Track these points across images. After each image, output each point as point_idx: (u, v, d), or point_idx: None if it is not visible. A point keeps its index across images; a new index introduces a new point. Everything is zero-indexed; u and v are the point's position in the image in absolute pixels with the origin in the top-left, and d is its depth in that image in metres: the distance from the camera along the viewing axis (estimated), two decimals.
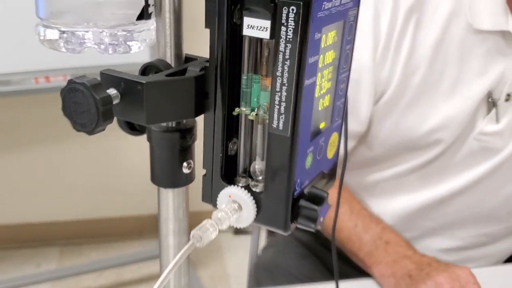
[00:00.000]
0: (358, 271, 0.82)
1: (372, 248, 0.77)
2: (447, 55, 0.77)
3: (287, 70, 0.27)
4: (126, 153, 1.93)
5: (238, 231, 1.62)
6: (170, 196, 0.36)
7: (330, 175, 0.34)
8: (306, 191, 0.31)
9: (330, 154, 0.33)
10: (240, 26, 0.28)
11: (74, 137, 2.12)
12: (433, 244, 0.90)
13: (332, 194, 0.37)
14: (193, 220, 0.39)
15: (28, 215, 2.09)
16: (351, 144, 0.87)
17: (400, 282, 0.71)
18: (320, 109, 0.31)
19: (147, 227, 2.06)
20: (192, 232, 0.29)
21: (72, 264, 1.89)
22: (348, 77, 0.34)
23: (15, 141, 1.90)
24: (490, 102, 0.78)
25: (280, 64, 0.27)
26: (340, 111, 0.33)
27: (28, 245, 2.10)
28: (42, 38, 0.32)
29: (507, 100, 0.77)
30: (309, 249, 1.00)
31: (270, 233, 1.10)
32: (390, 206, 0.90)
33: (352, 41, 0.32)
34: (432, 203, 0.85)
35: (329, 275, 0.93)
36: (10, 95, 1.60)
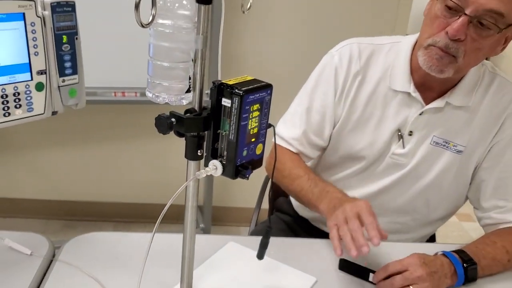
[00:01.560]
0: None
1: (319, 195, 1.13)
2: (376, 103, 1.19)
3: (235, 118, 0.74)
4: (171, 155, 2.32)
5: None
6: (192, 166, 0.83)
7: (258, 161, 0.80)
8: (241, 164, 0.77)
9: (258, 152, 0.79)
10: (221, 101, 0.75)
11: (138, 139, 2.62)
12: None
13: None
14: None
15: (92, 195, 2.51)
16: (318, 153, 1.30)
17: (331, 208, 1.06)
18: (251, 133, 0.77)
19: (183, 214, 2.52)
20: (196, 173, 0.76)
21: None
22: (266, 122, 0.79)
23: (95, 137, 2.35)
24: (399, 135, 1.19)
25: (233, 116, 0.74)
26: (262, 135, 0.79)
27: (89, 219, 2.51)
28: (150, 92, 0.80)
29: (410, 134, 1.18)
30: (288, 226, 1.42)
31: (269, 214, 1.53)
32: None
33: (268, 107, 0.78)
34: (365, 197, 1.23)
35: None
36: (95, 103, 1.99)
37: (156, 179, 2.39)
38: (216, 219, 2.45)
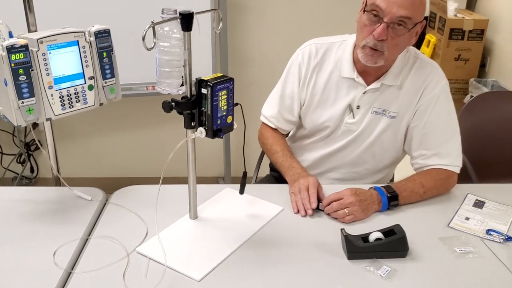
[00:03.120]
0: None
1: (287, 169, 1.58)
2: (331, 87, 1.62)
3: (209, 100, 1.19)
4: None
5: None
6: (188, 132, 1.28)
7: (229, 127, 1.25)
8: (217, 129, 1.22)
9: (228, 121, 1.24)
10: (201, 90, 1.20)
11: (163, 123, 3.17)
12: (330, 176, 1.70)
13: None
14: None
15: (132, 171, 3.03)
16: (291, 127, 1.74)
17: (292, 180, 1.51)
18: (223, 109, 1.22)
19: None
20: (190, 134, 1.22)
21: None
22: (232, 102, 1.24)
23: (132, 122, 2.88)
24: (350, 109, 1.61)
25: (208, 99, 1.19)
26: (230, 110, 1.24)
27: None
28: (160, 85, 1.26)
29: (357, 108, 1.59)
30: (276, 180, 1.87)
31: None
32: (311, 156, 1.72)
33: (232, 92, 1.22)
34: (328, 154, 1.67)
35: None
36: (131, 96, 2.45)
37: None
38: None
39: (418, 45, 3.34)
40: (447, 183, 1.53)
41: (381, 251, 1.25)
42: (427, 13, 3.09)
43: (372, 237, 1.27)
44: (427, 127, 1.56)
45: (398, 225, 1.30)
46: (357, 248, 1.25)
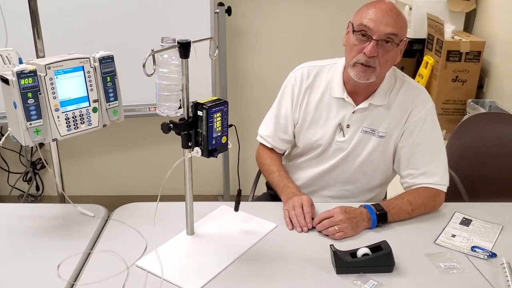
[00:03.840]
0: None
1: (283, 189, 1.65)
2: (322, 107, 1.70)
3: (205, 122, 1.27)
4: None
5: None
6: (185, 151, 1.36)
7: (223, 147, 1.33)
8: (212, 148, 1.30)
9: (223, 141, 1.32)
10: (197, 112, 1.28)
11: (163, 143, 3.26)
12: (323, 194, 1.76)
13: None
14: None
15: (132, 189, 3.10)
16: (287, 146, 1.81)
17: (287, 199, 1.58)
18: (217, 130, 1.29)
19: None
20: (187, 154, 1.30)
21: None
22: (226, 124, 1.32)
23: (134, 142, 2.97)
24: (340, 128, 1.69)
25: (204, 120, 1.27)
26: (225, 131, 1.32)
27: None
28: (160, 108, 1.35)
29: (347, 127, 1.67)
30: (273, 198, 1.94)
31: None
32: (304, 174, 1.79)
33: (226, 114, 1.30)
34: (321, 172, 1.74)
35: None
36: (135, 117, 2.54)
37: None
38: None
39: (416, 66, 3.43)
40: (434, 201, 1.60)
41: (368, 266, 1.31)
42: (424, 35, 3.18)
43: (360, 253, 1.34)
44: (414, 147, 1.63)
45: (385, 241, 1.36)
46: (346, 263, 1.31)
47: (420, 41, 3.19)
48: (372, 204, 1.53)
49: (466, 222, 1.58)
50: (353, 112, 1.65)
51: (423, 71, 3.46)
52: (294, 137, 1.78)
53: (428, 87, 3.10)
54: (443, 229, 1.53)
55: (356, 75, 1.55)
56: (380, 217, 1.51)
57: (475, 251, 1.42)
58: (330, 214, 1.48)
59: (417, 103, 1.62)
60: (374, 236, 1.47)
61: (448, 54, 3.16)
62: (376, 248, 1.35)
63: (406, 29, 1.55)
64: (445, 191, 1.62)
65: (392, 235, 1.47)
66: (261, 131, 1.81)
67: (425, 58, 3.49)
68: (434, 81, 3.15)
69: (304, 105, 1.71)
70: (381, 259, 1.32)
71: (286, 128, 1.76)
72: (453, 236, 1.50)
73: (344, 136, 1.68)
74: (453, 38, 3.19)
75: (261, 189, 2.03)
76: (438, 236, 1.49)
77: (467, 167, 2.17)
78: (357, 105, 1.64)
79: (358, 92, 1.64)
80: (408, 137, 1.63)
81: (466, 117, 3.54)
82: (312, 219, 1.51)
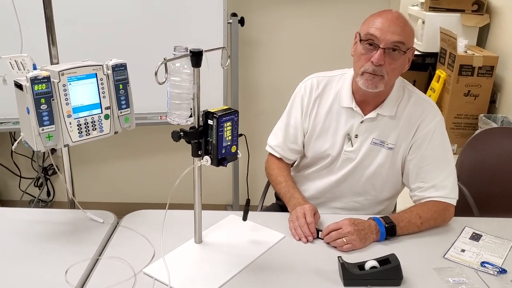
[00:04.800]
0: None
1: (289, 199, 1.64)
2: (331, 117, 1.70)
3: (215, 131, 1.27)
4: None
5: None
6: (195, 160, 1.36)
7: (233, 156, 1.33)
8: (221, 157, 1.31)
9: (233, 150, 1.32)
10: (208, 121, 1.29)
11: (173, 152, 3.29)
12: (333, 205, 1.76)
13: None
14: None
15: (142, 197, 3.10)
16: (296, 156, 1.81)
17: (292, 209, 1.58)
18: (227, 139, 1.30)
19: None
20: (196, 162, 1.31)
21: None
22: (236, 133, 1.33)
23: (145, 150, 2.98)
24: (348, 137, 1.69)
25: (214, 129, 1.28)
26: (235, 140, 1.32)
27: None
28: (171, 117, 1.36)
29: (355, 137, 1.67)
30: (282, 208, 1.94)
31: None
32: (313, 185, 1.79)
33: (237, 124, 1.31)
34: (330, 184, 1.74)
35: None
36: (146, 125, 2.56)
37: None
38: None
39: (429, 80, 3.42)
40: (444, 215, 1.59)
41: (376, 279, 1.30)
42: (437, 49, 3.18)
43: (367, 265, 1.33)
44: (423, 160, 1.62)
45: (393, 254, 1.35)
46: (353, 276, 1.30)
47: (433, 55, 3.19)
48: (381, 217, 1.52)
49: (476, 237, 1.56)
50: (361, 122, 1.65)
51: (435, 85, 3.45)
52: (304, 147, 1.78)
53: (440, 101, 3.09)
54: (453, 244, 1.52)
55: (364, 83, 1.55)
56: (389, 230, 1.50)
57: (484, 266, 1.41)
58: (338, 226, 1.47)
59: (425, 116, 1.61)
60: (382, 249, 1.47)
61: (460, 68, 3.16)
62: (384, 261, 1.34)
63: (413, 37, 1.56)
64: (455, 204, 1.61)
65: (401, 248, 1.46)
66: (270, 141, 1.82)
67: (438, 72, 3.49)
68: (446, 95, 3.14)
69: (313, 115, 1.71)
70: (389, 272, 1.31)
71: (296, 138, 1.76)
72: (463, 251, 1.48)
73: (352, 146, 1.67)
74: (466, 52, 3.19)
75: (270, 199, 2.03)
76: (448, 251, 1.48)
77: (478, 181, 2.15)
78: (365, 115, 1.64)
79: (367, 102, 1.64)
80: (417, 150, 1.62)
81: (477, 131, 3.53)
82: (318, 230, 1.50)
